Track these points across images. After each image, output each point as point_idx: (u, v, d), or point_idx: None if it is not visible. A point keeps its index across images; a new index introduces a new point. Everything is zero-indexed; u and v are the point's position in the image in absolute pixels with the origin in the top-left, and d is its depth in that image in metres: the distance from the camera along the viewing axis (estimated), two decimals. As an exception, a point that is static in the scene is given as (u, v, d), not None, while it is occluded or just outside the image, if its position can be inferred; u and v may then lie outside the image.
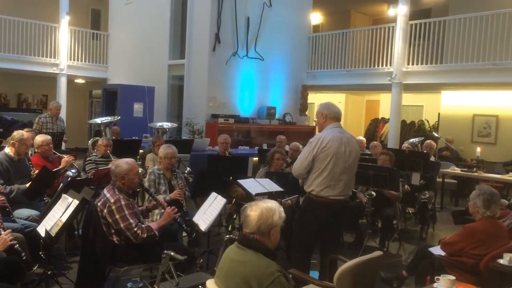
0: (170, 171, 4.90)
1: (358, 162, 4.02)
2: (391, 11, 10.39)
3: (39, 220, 3.91)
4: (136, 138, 8.57)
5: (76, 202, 3.47)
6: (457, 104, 11.16)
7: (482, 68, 9.04)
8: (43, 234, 3.49)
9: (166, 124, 8.79)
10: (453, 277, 2.78)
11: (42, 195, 4.65)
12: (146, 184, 4.65)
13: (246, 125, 10.46)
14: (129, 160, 3.74)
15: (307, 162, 3.75)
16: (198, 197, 5.45)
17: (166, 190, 4.78)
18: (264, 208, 2.39)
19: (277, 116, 11.08)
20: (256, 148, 8.99)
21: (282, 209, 2.46)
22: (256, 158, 7.62)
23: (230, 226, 5.46)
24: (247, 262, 2.33)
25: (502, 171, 8.40)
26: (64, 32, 12.40)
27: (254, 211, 2.39)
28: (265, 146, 9.30)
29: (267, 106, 10.88)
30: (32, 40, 12.02)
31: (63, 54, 12.47)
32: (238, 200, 5.59)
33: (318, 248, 4.07)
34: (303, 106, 11.86)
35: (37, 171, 4.73)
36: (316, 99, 13.32)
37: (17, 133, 4.71)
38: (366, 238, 5.60)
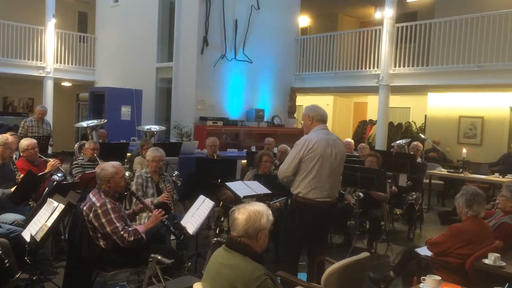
0: (158, 174, 4.87)
1: (344, 164, 4.04)
2: (377, 14, 10.49)
3: (24, 224, 3.86)
4: (124, 141, 8.52)
5: (61, 207, 3.43)
6: (443, 105, 11.29)
7: (468, 70, 9.16)
8: (28, 239, 3.44)
9: (154, 127, 8.75)
10: (438, 277, 2.80)
11: (27, 200, 4.59)
12: (133, 188, 4.61)
13: (235, 127, 10.46)
14: (115, 163, 3.71)
15: (294, 165, 3.75)
16: (187, 200, 5.44)
17: (153, 194, 4.75)
18: (252, 211, 2.37)
19: (265, 119, 11.11)
20: (245, 150, 9.00)
21: (270, 212, 2.44)
22: (244, 161, 7.61)
23: (217, 229, 5.44)
24: (233, 265, 2.32)
25: (488, 172, 8.51)
26: (50, 35, 12.28)
27: (242, 214, 2.37)
28: (253, 149, 9.30)
29: (256, 109, 10.89)
30: (18, 43, 11.89)
31: (49, 57, 12.34)
32: (226, 203, 5.58)
33: (306, 250, 4.08)
34: (292, 109, 11.90)
35: (22, 175, 4.67)
36: (304, 102, 13.37)
37: (1, 137, 4.66)
38: (354, 240, 5.63)
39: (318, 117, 3.87)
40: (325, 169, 3.73)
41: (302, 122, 4.04)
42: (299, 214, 3.81)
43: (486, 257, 3.33)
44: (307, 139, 3.76)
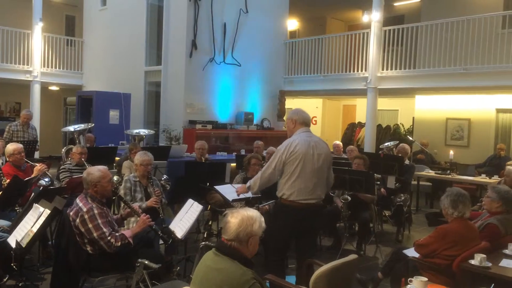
0: (146, 178, 4.84)
1: (333, 167, 4.05)
2: (365, 18, 10.57)
3: (10, 230, 3.82)
4: (112, 145, 8.46)
5: (47, 212, 3.40)
6: (431, 108, 11.39)
7: (454, 73, 9.27)
8: (14, 245, 3.40)
9: (143, 131, 8.71)
10: (425, 279, 2.82)
11: (13, 205, 4.54)
12: (122, 192, 4.59)
13: (224, 131, 10.46)
14: (101, 167, 3.68)
15: (278, 170, 3.79)
16: (176, 203, 5.41)
17: (142, 198, 4.72)
18: (245, 216, 2.37)
19: (255, 122, 11.12)
20: (234, 153, 8.98)
21: (263, 219, 2.44)
22: (233, 164, 7.60)
23: (205, 233, 5.43)
24: (222, 269, 2.31)
25: (475, 173, 8.60)
26: (37, 39, 12.16)
27: (234, 218, 2.37)
28: (243, 152, 9.30)
29: (245, 112, 10.90)
30: (5, 46, 11.77)
31: (36, 61, 12.22)
32: (215, 207, 5.57)
33: (295, 252, 4.09)
34: (281, 112, 11.92)
35: (8, 180, 4.62)
36: (293, 105, 13.41)
37: (-14, 142, 4.60)
38: (344, 242, 5.65)
39: (301, 120, 3.93)
40: (308, 170, 3.76)
41: (286, 125, 4.08)
42: (284, 216, 3.84)
43: (473, 258, 3.36)
44: (289, 142, 3.81)
